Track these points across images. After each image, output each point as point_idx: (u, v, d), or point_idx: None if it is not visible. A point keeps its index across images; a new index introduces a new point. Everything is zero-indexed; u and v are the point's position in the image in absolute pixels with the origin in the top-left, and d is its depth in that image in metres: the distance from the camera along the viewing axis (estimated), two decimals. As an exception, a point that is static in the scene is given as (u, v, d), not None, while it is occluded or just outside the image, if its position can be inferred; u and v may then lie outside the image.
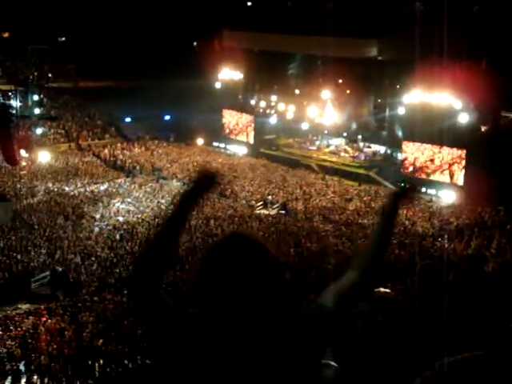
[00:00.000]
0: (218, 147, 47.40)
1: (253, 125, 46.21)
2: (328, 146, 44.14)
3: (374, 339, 3.46)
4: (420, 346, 3.17)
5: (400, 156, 38.40)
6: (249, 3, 45.69)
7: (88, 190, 33.68)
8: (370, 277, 2.19)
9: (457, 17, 30.82)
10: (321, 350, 1.93)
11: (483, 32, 31.10)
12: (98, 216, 28.70)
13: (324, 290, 2.09)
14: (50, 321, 16.71)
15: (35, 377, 13.64)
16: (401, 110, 38.61)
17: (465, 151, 34.64)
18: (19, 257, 22.24)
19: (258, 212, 31.70)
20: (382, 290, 4.77)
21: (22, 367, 14.08)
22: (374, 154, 41.36)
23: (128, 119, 48.62)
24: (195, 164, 41.02)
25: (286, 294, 1.83)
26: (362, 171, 38.81)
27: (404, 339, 3.39)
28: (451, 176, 35.52)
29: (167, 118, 49.28)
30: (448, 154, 35.56)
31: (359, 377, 3.25)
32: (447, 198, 34.25)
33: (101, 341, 15.14)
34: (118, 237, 25.49)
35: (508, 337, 1.88)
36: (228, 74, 46.97)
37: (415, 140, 36.64)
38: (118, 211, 29.79)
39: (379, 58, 39.09)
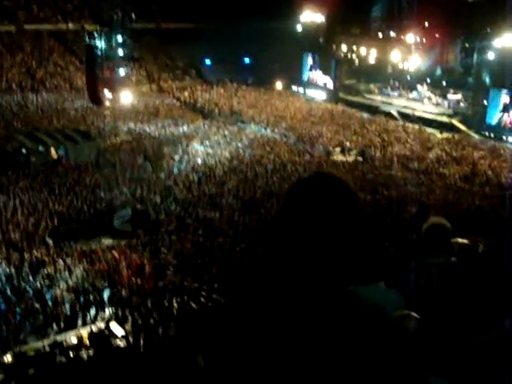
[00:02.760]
0: (296, 92, 46.97)
1: (333, 69, 45.36)
2: (411, 91, 42.83)
3: (450, 290, 3.42)
4: (495, 298, 3.11)
5: (486, 103, 36.77)
6: None
7: (168, 131, 34.30)
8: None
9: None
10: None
11: None
12: (177, 157, 29.26)
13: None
14: (131, 256, 17.42)
15: (117, 308, 14.37)
16: (490, 55, 36.68)
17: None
18: (103, 194, 23.12)
19: (336, 158, 31.41)
20: (459, 240, 4.69)
21: (105, 298, 14.84)
22: (459, 101, 39.83)
23: (208, 62, 48.79)
24: (274, 108, 40.91)
25: (364, 236, 1.79)
26: (444, 119, 37.55)
27: (481, 291, 3.34)
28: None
29: (247, 60, 49.10)
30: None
31: (436, 329, 3.23)
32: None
33: (179, 277, 15.70)
34: (196, 179, 25.97)
35: None
36: (309, 17, 45.98)
37: (504, 86, 34.93)
38: (196, 153, 30.25)
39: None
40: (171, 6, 46.60)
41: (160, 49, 48.45)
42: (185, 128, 35.32)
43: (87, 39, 35.95)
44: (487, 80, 37.14)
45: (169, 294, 14.49)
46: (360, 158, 31.21)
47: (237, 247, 18.03)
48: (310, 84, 46.57)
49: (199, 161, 29.05)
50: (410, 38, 41.13)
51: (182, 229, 20.28)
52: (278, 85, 47.07)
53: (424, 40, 40.71)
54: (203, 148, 31.33)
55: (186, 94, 43.85)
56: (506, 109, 35.15)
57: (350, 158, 31.43)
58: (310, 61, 47.12)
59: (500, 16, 32.60)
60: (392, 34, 42.53)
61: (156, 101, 41.40)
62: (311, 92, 45.87)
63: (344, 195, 1.74)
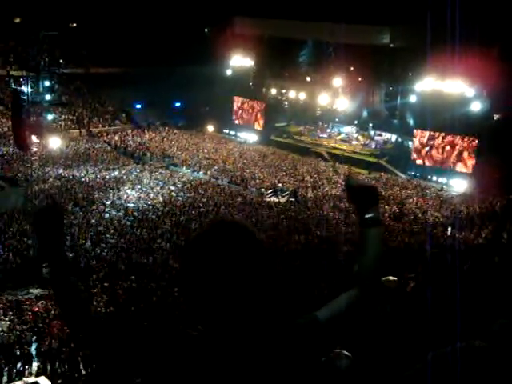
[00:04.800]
0: (228, 134, 47.39)
1: (263, 112, 46.13)
2: (339, 133, 44.00)
3: (381, 327, 3.46)
4: (424, 334, 3.17)
5: (411, 144, 38.21)
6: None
7: (98, 176, 33.76)
8: (369, 294, 2.12)
9: (469, 3, 30.48)
10: (312, 360, 1.87)
11: (496, 19, 30.75)
12: (108, 202, 28.78)
13: (325, 305, 2.04)
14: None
15: (45, 361, 13.76)
16: (412, 98, 38.35)
17: (477, 140, 34.42)
18: (30, 242, 22.36)
19: (268, 199, 31.67)
20: (390, 278, 4.77)
21: (32, 351, 14.20)
22: (385, 142, 41.19)
23: (138, 106, 48.65)
24: (206, 151, 41.05)
25: (274, 284, 1.75)
26: (372, 159, 38.65)
27: (411, 327, 3.39)
28: (462, 164, 35.33)
29: (178, 104, 49.26)
30: (460, 142, 35.35)
31: (368, 365, 3.25)
32: (458, 186, 34.09)
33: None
34: (128, 223, 25.57)
35: (505, 328, 1.86)
36: (239, 61, 46.85)
37: (427, 128, 36.45)
38: (128, 198, 29.86)
39: (391, 45, 38.78)
40: (101, 50, 46.42)
41: (90, 93, 48.01)
42: (116, 172, 34.89)
43: (13, 85, 35.26)
44: (411, 122, 38.72)
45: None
46: (292, 199, 31.60)
47: (171, 292, 17.72)
48: (241, 127, 47.11)
49: (131, 205, 28.67)
50: (337, 81, 42.53)
51: (115, 275, 19.82)
52: (210, 128, 47.39)
53: (349, 84, 42.20)
54: (135, 192, 30.98)
55: (117, 138, 43.44)
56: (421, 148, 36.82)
57: (283, 199, 31.78)
58: (240, 104, 47.73)
59: (420, 61, 34.21)
60: (319, 77, 43.80)
61: (86, 145, 40.76)
62: (242, 134, 46.39)
63: (243, 240, 1.69)
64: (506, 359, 1.59)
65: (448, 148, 35.98)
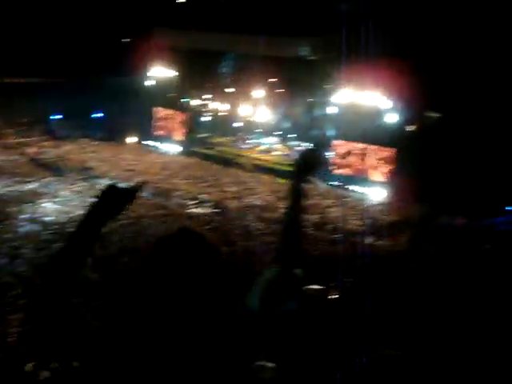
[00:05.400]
0: (149, 145, 46.85)
1: (186, 123, 45.95)
2: (260, 144, 44.39)
3: (301, 337, 3.48)
4: (344, 342, 3.22)
5: (330, 154, 39.01)
6: (180, 0, 45.26)
7: (14, 189, 32.56)
8: (291, 270, 2.18)
9: (383, 17, 31.65)
10: (251, 351, 1.91)
11: (410, 32, 32.02)
12: (25, 216, 27.79)
13: (249, 291, 2.07)
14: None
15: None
16: (332, 109, 39.22)
17: (393, 150, 35.56)
18: None
19: (191, 211, 31.50)
20: (311, 287, 4.82)
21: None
22: (306, 152, 41.87)
23: (56, 117, 47.39)
24: (126, 162, 40.40)
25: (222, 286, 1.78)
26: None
27: (330, 336, 3.43)
28: (380, 174, 36.39)
29: (97, 115, 48.32)
30: (376, 151, 36.41)
31: (290, 375, 3.26)
32: (376, 195, 35.08)
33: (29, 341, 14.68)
34: (46, 237, 24.77)
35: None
36: (160, 72, 46.47)
37: (345, 139, 37.37)
38: (46, 211, 28.94)
39: (311, 57, 39.54)
40: (16, 60, 44.97)
41: (4, 104, 46.34)
42: (33, 185, 33.75)
43: None
44: (331, 132, 39.57)
45: (18, 361, 13.47)
46: (216, 210, 31.55)
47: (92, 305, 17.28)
48: (163, 138, 46.72)
49: (49, 219, 27.80)
50: (258, 93, 42.98)
51: (31, 289, 19.12)
52: (130, 139, 46.71)
53: (270, 95, 42.77)
54: (53, 205, 30.07)
55: (34, 149, 42.10)
56: (340, 159, 37.68)
57: (206, 211, 31.68)
58: (162, 115, 47.35)
59: (338, 73, 35.11)
60: (241, 89, 44.10)
61: (0, 158, 39.29)
62: (164, 146, 46.01)
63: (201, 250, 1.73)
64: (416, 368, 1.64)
65: (366, 158, 36.98)
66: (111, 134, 46.23)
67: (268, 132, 44.28)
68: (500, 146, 29.42)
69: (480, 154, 29.88)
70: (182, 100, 46.74)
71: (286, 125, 43.84)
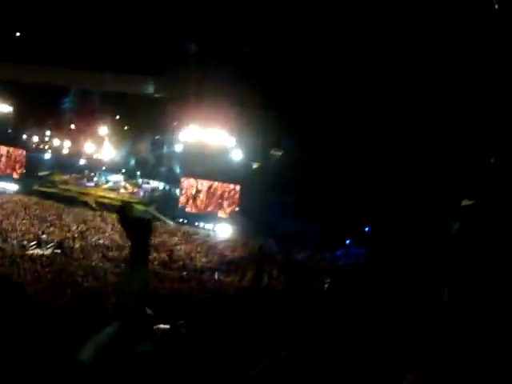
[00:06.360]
0: (-16, 184, 43.98)
1: (24, 160, 43.76)
2: (106, 182, 43.41)
3: (156, 378, 3.43)
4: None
5: (178, 192, 39.11)
6: (17, 33, 43.45)
7: None
8: (131, 327, 2.14)
9: (228, 58, 32.69)
10: None
11: (253, 73, 33.24)
12: None
13: (84, 345, 2.01)
14: None
15: None
16: (178, 147, 39.48)
17: (238, 186, 36.46)
18: None
19: (31, 252, 29.86)
20: (161, 326, 4.78)
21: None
22: (153, 190, 41.60)
23: None
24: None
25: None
26: (141, 207, 38.68)
27: (187, 373, 3.42)
28: (223, 211, 37.05)
29: None
30: (223, 188, 37.12)
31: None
32: (223, 232, 35.57)
33: None
34: None
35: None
36: (-5, 107, 44.03)
37: (192, 176, 37.71)
38: None
39: (156, 94, 39.65)
40: None
41: None
42: None
43: None
44: (177, 170, 39.74)
45: None
46: (58, 251, 30.21)
47: None
48: (0, 175, 44.07)
49: None
50: (102, 130, 42.22)
51: None
52: (-37, 178, 43.55)
53: (115, 132, 42.20)
54: None
55: None
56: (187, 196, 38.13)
57: (48, 251, 30.21)
58: (-2, 152, 44.73)
59: (184, 111, 35.53)
60: (84, 125, 43.02)
61: None
62: (2, 184, 43.36)
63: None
64: None
65: (212, 195, 37.53)
66: None
67: (113, 169, 43.44)
68: (339, 182, 31.13)
69: (321, 190, 31.48)
70: (19, 136, 44.57)
71: (132, 162, 43.34)
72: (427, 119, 25.02)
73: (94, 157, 43.11)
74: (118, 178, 43.31)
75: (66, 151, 43.82)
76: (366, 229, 28.76)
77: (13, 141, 44.38)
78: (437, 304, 2.74)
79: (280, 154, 36.71)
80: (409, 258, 3.04)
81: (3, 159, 44.64)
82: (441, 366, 2.51)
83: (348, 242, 29.75)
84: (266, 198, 32.06)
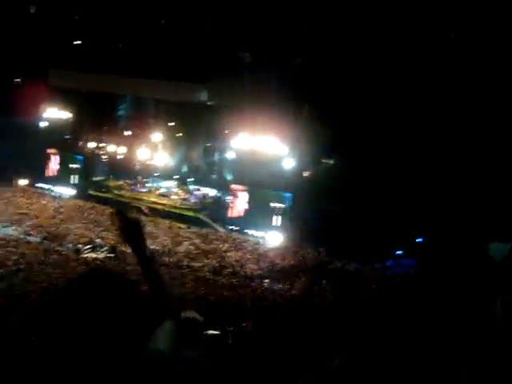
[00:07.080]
0: (42, 188, 45.20)
1: (81, 166, 44.81)
2: (158, 188, 44.00)
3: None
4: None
5: (229, 199, 39.29)
6: (77, 42, 44.68)
7: None
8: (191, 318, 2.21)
9: (281, 67, 32.83)
10: None
11: (305, 83, 33.30)
12: None
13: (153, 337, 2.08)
14: None
15: None
16: (230, 154, 39.73)
17: (290, 195, 36.34)
18: None
19: (86, 255, 30.56)
20: (210, 332, 4.80)
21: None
22: (204, 196, 41.93)
23: None
24: (17, 206, 38.74)
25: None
26: (191, 214, 39.07)
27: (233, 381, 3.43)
28: (276, 218, 36.95)
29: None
30: (274, 197, 37.04)
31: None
32: (273, 239, 35.51)
33: None
34: None
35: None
36: (55, 114, 45.30)
37: (243, 183, 37.81)
38: None
39: (209, 103, 40.05)
40: None
41: None
42: None
43: None
44: (228, 177, 39.98)
45: None
46: (111, 255, 30.80)
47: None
48: (57, 180, 45.24)
49: None
50: (156, 136, 42.86)
51: None
52: (22, 182, 44.86)
53: (168, 139, 42.78)
54: None
55: None
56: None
57: (101, 255, 30.85)
58: (56, 157, 45.96)
59: (236, 119, 35.75)
60: (138, 132, 43.81)
61: None
62: (59, 188, 44.51)
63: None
64: None
65: (262, 202, 37.42)
66: (1, 176, 44.22)
67: (166, 176, 44.00)
68: (391, 192, 30.79)
69: (372, 200, 31.18)
70: (77, 142, 45.73)
71: (184, 169, 43.83)
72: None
73: (148, 163, 43.78)
74: (169, 184, 43.86)
75: (120, 157, 44.66)
76: (418, 240, 28.31)
77: (70, 146, 45.55)
78: (488, 316, 2.68)
79: (331, 162, 36.51)
80: (459, 269, 2.99)
81: (61, 164, 45.84)
82: (494, 376, 2.45)
83: (399, 252, 29.29)
84: (317, 206, 31.92)
